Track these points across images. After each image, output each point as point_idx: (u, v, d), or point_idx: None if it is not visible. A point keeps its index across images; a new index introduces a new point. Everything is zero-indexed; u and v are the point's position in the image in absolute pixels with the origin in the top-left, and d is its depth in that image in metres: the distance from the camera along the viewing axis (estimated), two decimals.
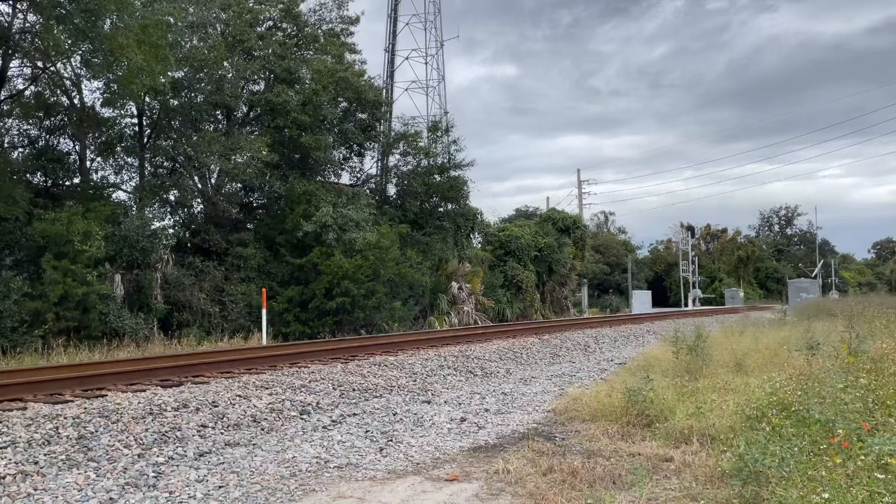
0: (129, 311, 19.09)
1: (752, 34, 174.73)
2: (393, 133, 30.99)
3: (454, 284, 30.73)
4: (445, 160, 30.66)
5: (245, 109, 26.96)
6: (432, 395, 11.56)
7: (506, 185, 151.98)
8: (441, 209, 31.10)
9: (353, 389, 11.10)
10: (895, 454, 4.51)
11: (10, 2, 18.63)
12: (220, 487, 6.25)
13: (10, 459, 6.48)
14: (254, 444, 7.91)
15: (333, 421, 9.24)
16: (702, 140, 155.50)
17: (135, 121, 23.85)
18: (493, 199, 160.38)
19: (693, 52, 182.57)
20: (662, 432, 7.61)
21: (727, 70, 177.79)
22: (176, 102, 23.57)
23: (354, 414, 9.73)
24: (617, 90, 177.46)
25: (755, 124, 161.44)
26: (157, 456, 7.15)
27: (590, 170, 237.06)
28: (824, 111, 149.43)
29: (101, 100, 22.16)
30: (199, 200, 25.80)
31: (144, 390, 9.51)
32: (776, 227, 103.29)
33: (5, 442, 6.81)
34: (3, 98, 20.04)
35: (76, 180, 22.64)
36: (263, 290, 19.78)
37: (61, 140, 23.08)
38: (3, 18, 19.06)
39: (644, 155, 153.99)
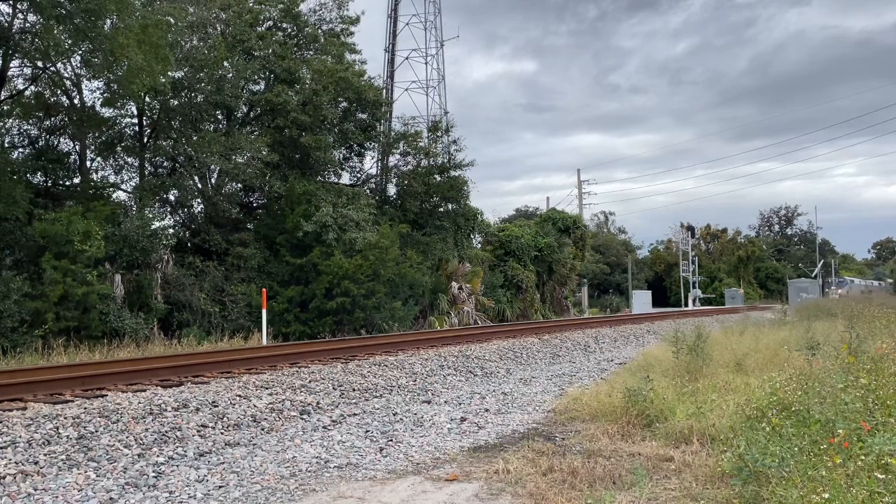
0: (129, 311, 19.08)
1: (779, 29, 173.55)
2: (393, 133, 30.96)
3: (454, 284, 30.74)
4: (445, 160, 30.67)
5: (245, 109, 26.95)
6: (432, 395, 11.56)
7: (516, 183, 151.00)
8: (441, 209, 31.07)
9: (354, 389, 11.10)
10: (895, 454, 4.51)
11: (10, 2, 18.62)
12: (220, 487, 6.25)
13: (10, 459, 6.48)
14: (254, 444, 7.92)
15: (333, 421, 9.24)
16: (718, 138, 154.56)
17: (135, 121, 23.87)
18: (502, 198, 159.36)
19: (716, 49, 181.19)
20: (662, 432, 7.61)
21: (749, 67, 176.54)
22: (176, 102, 23.56)
23: (354, 414, 9.74)
24: (636, 87, 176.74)
25: (773, 122, 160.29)
26: (158, 456, 7.15)
27: (601, 168, 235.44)
28: (841, 108, 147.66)
29: (101, 100, 22.23)
30: (199, 200, 25.80)
31: (144, 390, 9.51)
32: (776, 227, 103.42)
33: (5, 442, 6.81)
34: (3, 98, 20.03)
35: (76, 180, 22.63)
36: (263, 290, 19.77)
37: (61, 140, 23.09)
38: (3, 18, 19.06)
39: (658, 153, 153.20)
